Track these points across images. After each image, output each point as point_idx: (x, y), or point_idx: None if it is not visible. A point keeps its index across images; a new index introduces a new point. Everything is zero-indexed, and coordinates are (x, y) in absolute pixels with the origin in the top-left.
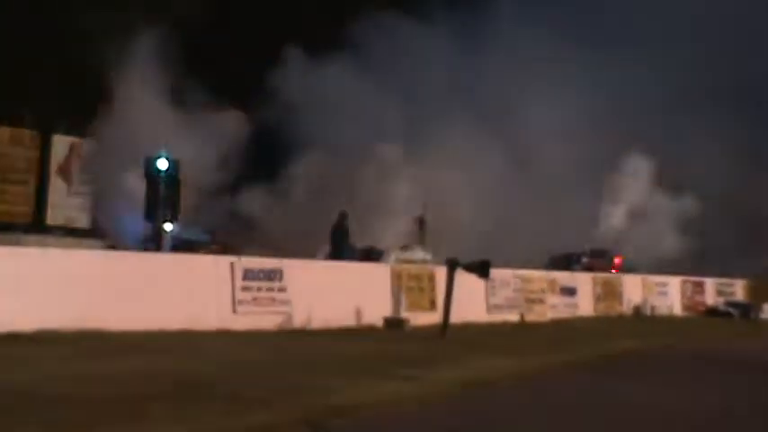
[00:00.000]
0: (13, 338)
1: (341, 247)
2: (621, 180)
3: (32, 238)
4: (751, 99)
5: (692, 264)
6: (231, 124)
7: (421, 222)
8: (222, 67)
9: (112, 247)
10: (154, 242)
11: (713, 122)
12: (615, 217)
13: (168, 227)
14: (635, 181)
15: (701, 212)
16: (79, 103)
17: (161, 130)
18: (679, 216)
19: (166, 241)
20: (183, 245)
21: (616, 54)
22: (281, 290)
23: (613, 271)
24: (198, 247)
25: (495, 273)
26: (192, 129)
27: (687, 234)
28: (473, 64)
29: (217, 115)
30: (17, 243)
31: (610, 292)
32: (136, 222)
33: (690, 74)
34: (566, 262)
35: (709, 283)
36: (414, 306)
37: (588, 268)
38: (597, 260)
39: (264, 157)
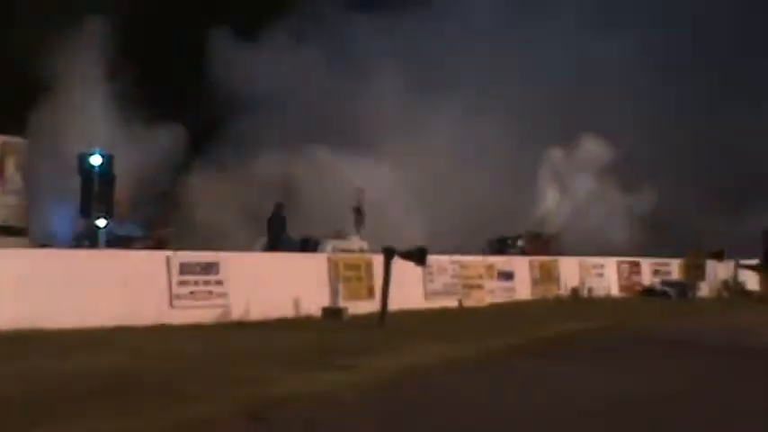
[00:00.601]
0: None
1: (278, 238)
2: (559, 161)
3: None
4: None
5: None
6: (169, 137)
7: (357, 211)
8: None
9: (46, 245)
10: (87, 239)
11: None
12: (551, 199)
13: (101, 223)
14: (576, 163)
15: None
16: (10, 99)
17: (94, 126)
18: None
19: (101, 237)
20: (117, 241)
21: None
22: (218, 283)
23: (547, 253)
24: (133, 242)
25: (432, 259)
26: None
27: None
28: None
29: (154, 129)
30: None
31: (547, 276)
32: (69, 220)
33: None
34: (501, 246)
35: (646, 264)
36: (352, 295)
37: (523, 252)
38: (532, 243)
39: (200, 151)
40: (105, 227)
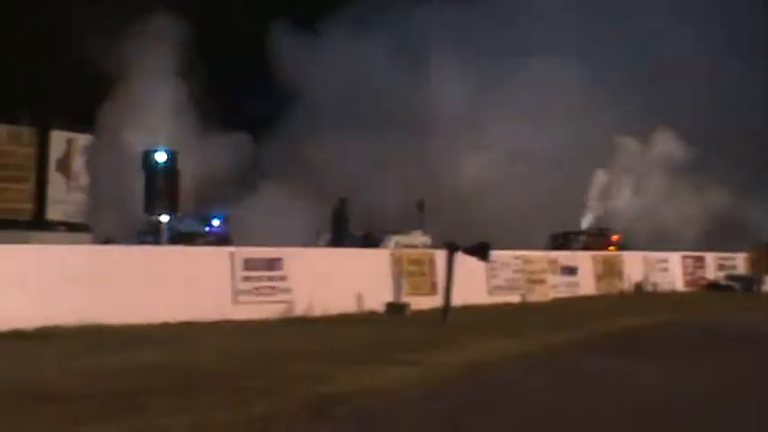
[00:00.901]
0: (17, 335)
1: (341, 234)
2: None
3: (34, 234)
4: None
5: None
6: (239, 146)
7: (420, 206)
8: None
9: (109, 240)
10: (150, 235)
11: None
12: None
13: (164, 218)
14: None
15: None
16: (77, 98)
17: (160, 122)
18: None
19: (163, 233)
20: (180, 237)
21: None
22: (282, 279)
23: (611, 249)
24: (195, 238)
25: (495, 254)
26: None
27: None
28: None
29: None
30: (20, 240)
31: (610, 270)
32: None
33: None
34: (564, 241)
35: (710, 258)
36: (415, 290)
37: (585, 247)
38: (595, 238)
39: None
40: (168, 223)
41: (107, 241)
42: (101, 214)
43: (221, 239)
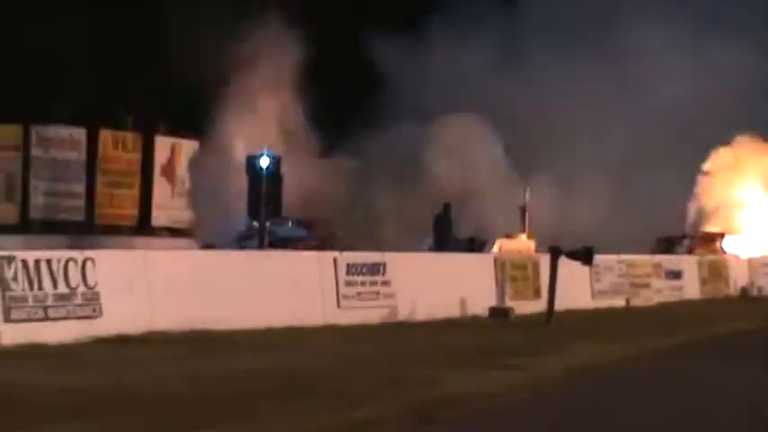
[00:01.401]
0: (123, 341)
1: (445, 238)
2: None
3: (139, 240)
4: None
5: None
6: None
7: (524, 211)
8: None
9: (210, 246)
10: (250, 239)
11: None
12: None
13: (265, 223)
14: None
15: None
16: (182, 104)
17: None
18: None
19: (264, 238)
20: (280, 242)
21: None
22: (385, 283)
23: (717, 252)
24: (296, 242)
25: (598, 258)
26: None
27: None
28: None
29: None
30: (125, 246)
31: (715, 275)
32: (236, 220)
33: None
34: (668, 245)
35: None
36: (518, 295)
37: (690, 251)
38: (700, 242)
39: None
40: (268, 227)
41: (208, 246)
42: (205, 219)
43: (324, 244)
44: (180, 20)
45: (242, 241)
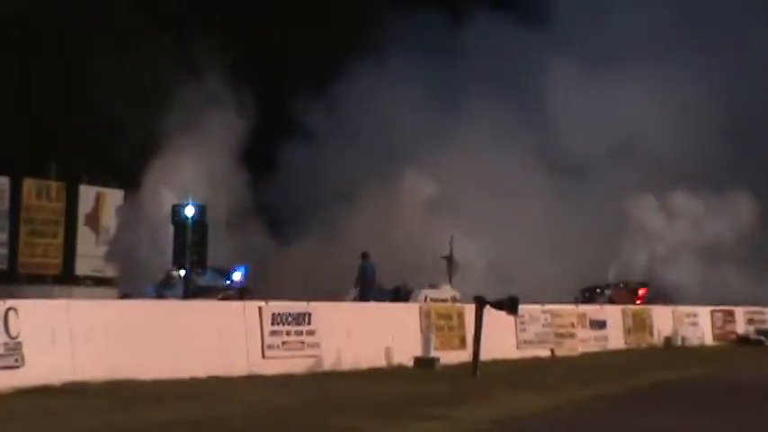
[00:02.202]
0: (46, 392)
1: (370, 286)
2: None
3: (62, 289)
4: None
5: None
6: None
7: (449, 260)
8: None
9: (127, 295)
10: (170, 288)
11: None
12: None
13: (182, 272)
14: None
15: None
16: (106, 153)
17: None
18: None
19: (181, 288)
20: (199, 291)
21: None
22: (310, 333)
23: (638, 302)
24: (215, 292)
25: (523, 308)
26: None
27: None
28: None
29: None
30: (48, 295)
31: (640, 325)
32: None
33: None
34: (591, 295)
35: (740, 312)
36: (444, 344)
37: (611, 301)
38: (620, 292)
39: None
40: (185, 277)
41: (124, 296)
42: (127, 268)
43: (242, 293)
44: (108, 71)
45: (160, 289)
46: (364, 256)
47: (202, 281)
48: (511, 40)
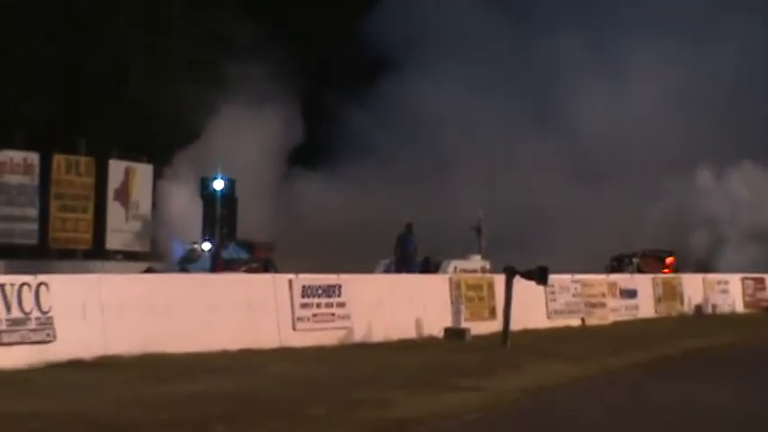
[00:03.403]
0: (78, 365)
1: (410, 259)
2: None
3: (93, 264)
4: None
5: None
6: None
7: (478, 231)
8: None
9: (151, 269)
10: (191, 263)
11: None
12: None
13: (206, 246)
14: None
15: None
16: (135, 126)
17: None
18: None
19: (205, 260)
20: (223, 264)
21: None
22: (340, 305)
23: (665, 271)
24: (237, 264)
25: (553, 278)
26: None
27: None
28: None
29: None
30: (79, 270)
31: (670, 293)
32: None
33: None
34: (618, 264)
35: None
36: (474, 315)
37: (639, 269)
38: (648, 260)
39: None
40: (209, 250)
41: (148, 270)
42: (157, 243)
43: (267, 266)
44: (138, 48)
45: (183, 264)
46: (408, 226)
47: (225, 254)
48: None
